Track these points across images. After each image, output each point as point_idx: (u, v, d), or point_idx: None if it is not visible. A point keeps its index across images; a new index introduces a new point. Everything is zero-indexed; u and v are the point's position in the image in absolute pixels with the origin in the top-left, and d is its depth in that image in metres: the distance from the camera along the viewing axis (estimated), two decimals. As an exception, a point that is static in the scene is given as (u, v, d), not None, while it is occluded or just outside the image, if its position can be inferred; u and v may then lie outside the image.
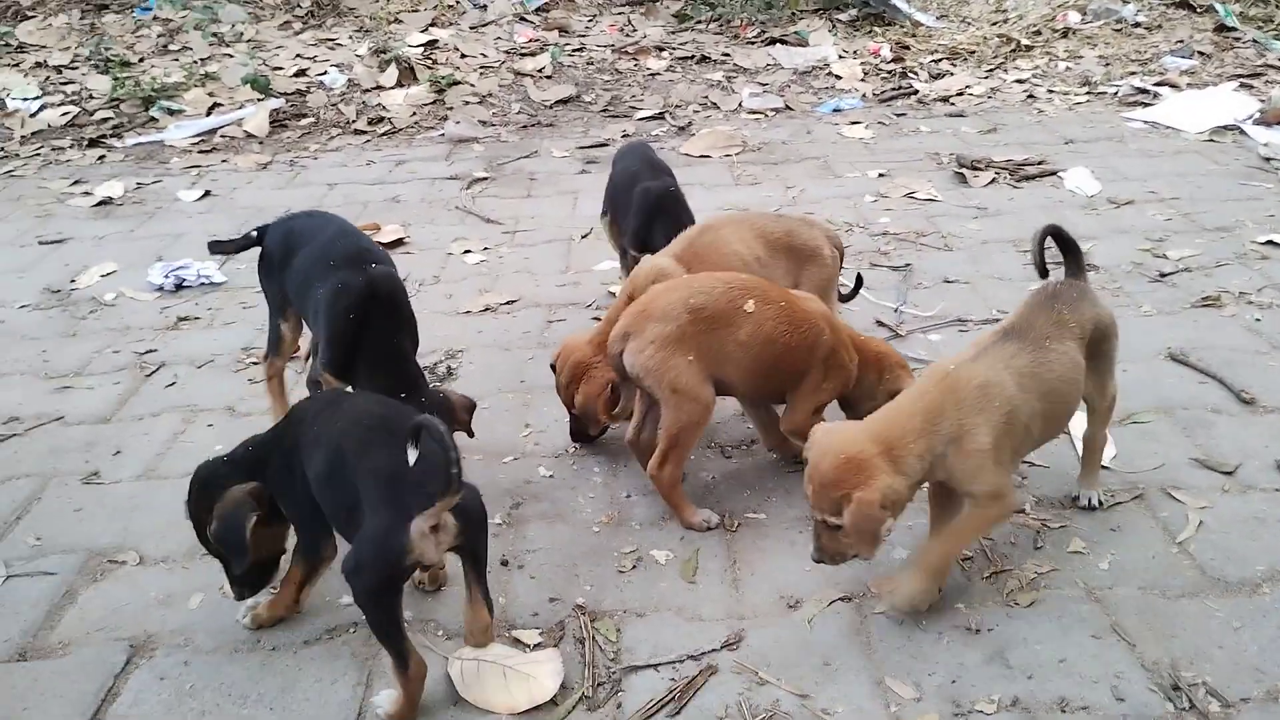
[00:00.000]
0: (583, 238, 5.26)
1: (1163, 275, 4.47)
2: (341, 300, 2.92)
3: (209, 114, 7.65)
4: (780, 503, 3.04)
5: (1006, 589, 2.64)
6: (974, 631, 2.50)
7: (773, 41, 9.29)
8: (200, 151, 7.04)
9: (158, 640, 2.59)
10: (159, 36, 9.43)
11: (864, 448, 2.37)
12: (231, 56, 8.82)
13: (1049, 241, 2.83)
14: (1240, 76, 7.67)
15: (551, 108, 7.87)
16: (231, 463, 2.50)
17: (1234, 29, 8.82)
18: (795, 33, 9.41)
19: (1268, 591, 2.60)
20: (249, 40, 9.25)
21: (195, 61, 8.60)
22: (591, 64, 8.85)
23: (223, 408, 3.73)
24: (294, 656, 2.52)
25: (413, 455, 2.11)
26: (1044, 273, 2.88)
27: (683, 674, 2.41)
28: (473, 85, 8.17)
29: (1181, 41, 8.62)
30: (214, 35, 9.34)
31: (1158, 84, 7.59)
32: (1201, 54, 8.30)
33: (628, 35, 9.62)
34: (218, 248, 3.45)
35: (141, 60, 8.87)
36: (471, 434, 3.11)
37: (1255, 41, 8.55)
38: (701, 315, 2.87)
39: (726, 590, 2.71)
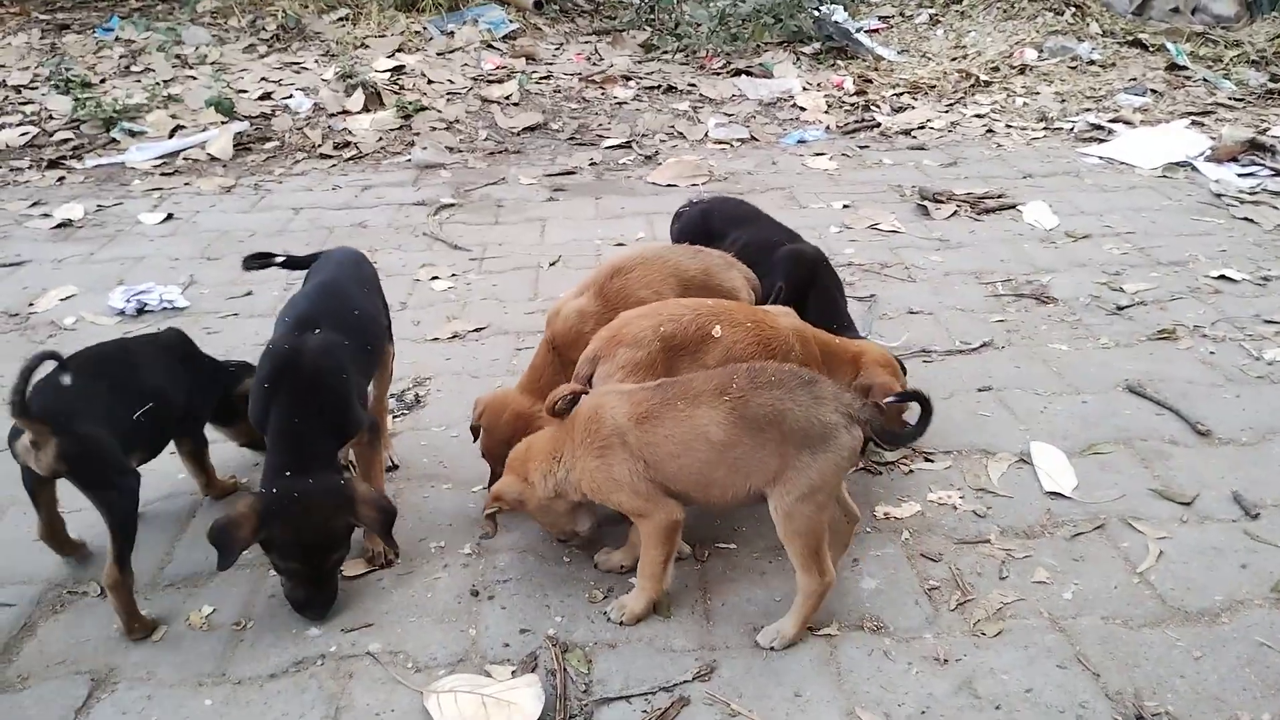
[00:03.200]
0: (550, 265, 5.27)
1: (1120, 308, 4.57)
2: (262, 365, 2.83)
3: (171, 136, 7.58)
4: (750, 533, 3.06)
5: (974, 619, 2.67)
6: (942, 662, 2.53)
7: (738, 73, 9.41)
8: (162, 174, 6.97)
9: (120, 673, 2.54)
10: (121, 58, 9.34)
11: (518, 454, 2.80)
12: (195, 79, 8.77)
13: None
14: (1191, 114, 7.89)
15: (519, 135, 7.90)
16: None
17: (1185, 68, 9.09)
18: (760, 64, 9.55)
19: (1227, 621, 2.65)
20: (213, 63, 9.19)
21: (158, 83, 8.52)
22: (559, 92, 8.90)
23: (186, 435, 3.68)
24: (260, 690, 2.48)
25: (67, 379, 2.59)
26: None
27: (655, 705, 2.41)
28: (439, 111, 8.18)
29: (1135, 79, 8.87)
30: (177, 57, 9.28)
31: (1112, 120, 7.79)
32: (1154, 92, 8.54)
33: (595, 64, 9.70)
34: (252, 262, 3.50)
35: (103, 81, 8.78)
36: (384, 537, 2.79)
37: (1205, 80, 8.81)
38: (671, 343, 2.91)
39: (698, 621, 2.71)
